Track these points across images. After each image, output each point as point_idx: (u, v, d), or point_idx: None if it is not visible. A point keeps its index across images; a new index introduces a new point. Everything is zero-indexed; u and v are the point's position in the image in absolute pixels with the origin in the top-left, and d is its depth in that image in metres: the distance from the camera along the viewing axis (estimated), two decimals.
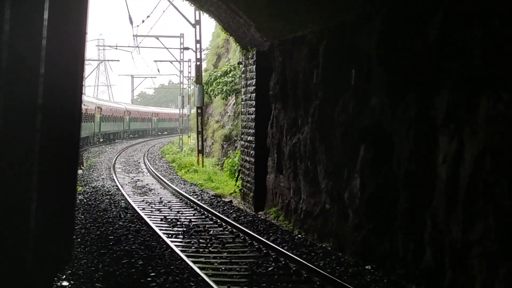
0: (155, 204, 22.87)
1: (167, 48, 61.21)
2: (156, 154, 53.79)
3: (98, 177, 32.04)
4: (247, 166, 24.32)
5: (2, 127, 1.01)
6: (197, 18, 38.34)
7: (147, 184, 29.62)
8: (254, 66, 23.50)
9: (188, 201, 23.48)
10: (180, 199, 24.29)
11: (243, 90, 25.53)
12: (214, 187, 29.46)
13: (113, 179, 30.28)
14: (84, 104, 42.93)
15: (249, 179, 24.02)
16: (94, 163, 41.16)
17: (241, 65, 26.16)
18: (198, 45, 38.47)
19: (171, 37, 62.60)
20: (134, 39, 60.83)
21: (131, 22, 40.93)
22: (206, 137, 55.99)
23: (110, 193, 25.12)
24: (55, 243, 1.50)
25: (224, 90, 36.25)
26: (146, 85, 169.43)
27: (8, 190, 1.20)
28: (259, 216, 21.26)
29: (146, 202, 23.31)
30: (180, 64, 64.37)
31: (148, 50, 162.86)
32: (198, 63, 38.46)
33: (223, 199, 25.76)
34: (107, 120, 68.66)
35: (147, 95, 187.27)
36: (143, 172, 36.67)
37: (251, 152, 23.83)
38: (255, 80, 23.43)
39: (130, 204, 22.11)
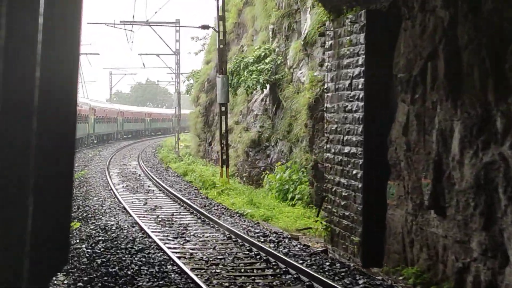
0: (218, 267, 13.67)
1: (161, 38, 51.97)
2: (158, 163, 44.43)
3: (98, 202, 22.71)
4: (344, 193, 15.65)
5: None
6: None
7: (173, 214, 20.47)
8: (362, 36, 14.79)
9: (259, 253, 14.91)
10: (249, 250, 15.26)
11: (329, 75, 16.72)
12: (265, 217, 20.53)
13: (125, 210, 21.20)
14: (78, 105, 40.02)
15: (348, 213, 15.42)
16: (86, 177, 31.73)
17: (326, 38, 17.16)
18: (221, 23, 29.34)
19: (165, 24, 53.15)
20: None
21: None
22: (211, 141, 46.96)
23: (136, 246, 15.38)
24: (51, 247, 1.43)
25: (261, 80, 27.12)
26: (129, 82, 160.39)
27: (5, 193, 1.12)
28: (376, 277, 13.29)
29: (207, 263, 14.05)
30: (176, 55, 55.09)
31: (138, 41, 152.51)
32: (221, 46, 29.34)
33: (298, 240, 16.91)
34: (101, 121, 67.70)
35: (123, 94, 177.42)
36: (152, 190, 27.48)
37: (354, 172, 15.22)
38: (362, 57, 14.72)
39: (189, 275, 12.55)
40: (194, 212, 20.50)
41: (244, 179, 32.34)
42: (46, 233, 1.49)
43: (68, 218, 1.82)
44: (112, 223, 17.74)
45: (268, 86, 28.40)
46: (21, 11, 1.22)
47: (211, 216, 19.10)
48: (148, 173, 34.50)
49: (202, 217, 19.48)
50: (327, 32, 17.30)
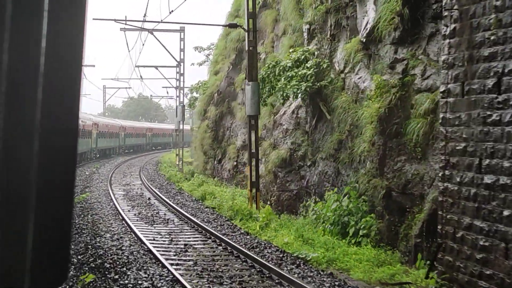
0: None
1: (164, 47, 46.88)
2: (165, 182, 39.09)
3: (113, 242, 17.37)
4: (482, 241, 10.75)
5: (4, 142, 0.99)
6: None
7: (214, 260, 15.21)
8: None
9: None
10: None
11: (451, 73, 11.86)
12: (328, 259, 15.48)
13: (152, 254, 15.55)
14: (81, 121, 44.66)
15: (490, 271, 10.53)
16: (90, 202, 26.33)
17: (446, 20, 12.22)
18: (250, 21, 24.21)
19: (167, 31, 48.13)
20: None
21: None
22: (221, 158, 41.74)
23: None
24: (52, 263, 1.30)
25: (303, 88, 21.96)
26: (122, 96, 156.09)
27: (7, 210, 1.13)
28: None
29: None
30: (180, 65, 49.90)
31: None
32: (251, 47, 24.22)
33: None
34: (103, 136, 66.46)
35: (115, 109, 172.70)
36: (171, 220, 22.25)
37: (505, 213, 10.12)
38: None
39: None
40: (242, 256, 15.26)
41: (272, 203, 27.14)
42: (47, 249, 1.27)
43: (68, 235, 1.35)
44: (145, 284, 12.47)
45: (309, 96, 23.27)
46: (24, 26, 1.10)
47: (270, 265, 13.92)
48: (158, 195, 29.23)
49: (256, 265, 14.25)
50: (446, 14, 12.23)
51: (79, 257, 15.66)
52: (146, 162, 62.39)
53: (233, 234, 18.46)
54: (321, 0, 23.41)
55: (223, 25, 26.39)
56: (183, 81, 50.93)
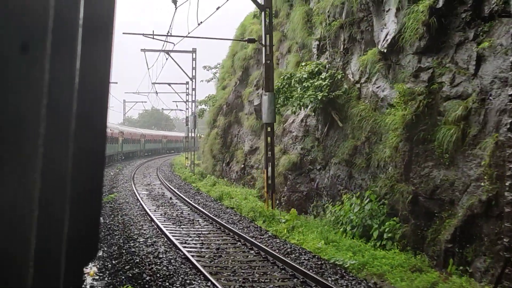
0: None
1: (178, 64, 43.69)
2: (182, 182, 35.77)
3: (147, 246, 14.07)
4: None
5: (46, 146, 0.89)
6: None
7: (252, 267, 12.01)
8: None
9: None
10: None
11: None
12: (358, 264, 12.30)
13: (190, 263, 12.04)
14: (110, 130, 45.93)
15: None
16: (119, 202, 22.94)
17: None
18: (267, 37, 21.04)
19: (181, 52, 44.96)
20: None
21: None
22: (229, 161, 38.54)
23: None
24: (85, 241, 1.26)
25: (319, 97, 18.82)
26: (138, 108, 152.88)
27: (50, 197, 1.01)
28: None
29: None
30: (192, 81, 46.61)
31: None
32: (268, 61, 21.05)
33: None
34: (127, 142, 65.71)
35: (132, 119, 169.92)
36: (196, 221, 18.99)
37: None
38: None
39: None
40: (279, 263, 12.05)
41: (283, 203, 23.99)
42: (80, 230, 1.20)
43: (97, 219, 1.34)
44: None
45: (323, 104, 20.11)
46: (62, 51, 0.97)
47: (312, 275, 10.72)
48: (179, 195, 25.93)
49: (298, 274, 11.06)
50: None
51: (113, 261, 12.41)
52: (161, 164, 59.09)
53: (262, 237, 15.23)
54: (334, 16, 20.28)
55: (243, 40, 23.16)
56: (195, 95, 47.64)
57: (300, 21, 24.58)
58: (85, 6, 1.03)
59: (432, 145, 13.88)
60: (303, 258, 12.45)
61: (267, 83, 21.14)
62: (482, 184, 12.00)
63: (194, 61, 46.30)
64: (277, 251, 13.12)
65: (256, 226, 16.99)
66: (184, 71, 45.29)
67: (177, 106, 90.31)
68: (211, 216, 18.86)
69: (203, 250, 13.67)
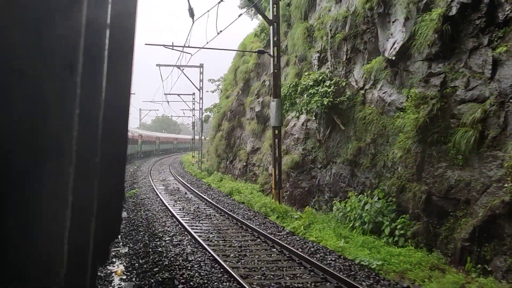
0: None
1: (186, 76, 41.37)
2: (193, 178, 33.43)
3: (175, 246, 11.74)
4: None
5: (81, 142, 0.86)
6: (275, 13, 18.86)
7: (282, 268, 9.70)
8: None
9: None
10: None
11: None
12: (382, 262, 10.10)
13: (219, 265, 9.67)
14: (131, 133, 46.95)
15: None
16: (141, 198, 20.57)
17: None
18: (275, 49, 18.84)
19: (191, 67, 42.65)
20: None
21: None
22: (233, 160, 36.32)
23: None
24: (109, 221, 1.23)
25: (325, 102, 16.64)
26: (151, 115, 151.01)
27: (83, 189, 0.94)
28: None
29: None
30: (200, 91, 44.26)
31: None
32: (275, 71, 18.84)
33: None
34: (145, 143, 65.48)
35: (146, 125, 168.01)
36: (213, 216, 16.72)
37: None
38: None
39: None
40: (306, 264, 9.84)
41: (285, 198, 21.81)
42: (106, 213, 1.20)
43: (120, 205, 1.34)
44: None
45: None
46: (90, 69, 0.93)
47: (344, 278, 8.53)
48: (193, 190, 23.66)
49: (330, 277, 8.85)
50: None
51: (140, 260, 10.16)
52: (172, 161, 56.69)
53: (280, 234, 13.01)
54: (336, 30, 18.12)
55: (254, 51, 20.87)
56: (202, 103, 45.28)
57: (301, 36, 22.41)
58: (110, 32, 0.98)
59: (445, 147, 11.76)
60: (329, 259, 10.24)
61: (275, 90, 18.93)
62: (506, 185, 9.91)
63: (201, 75, 44.03)
64: (300, 250, 10.91)
65: (271, 222, 14.76)
66: (193, 83, 43.03)
67: (184, 113, 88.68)
68: (226, 211, 16.61)
69: (226, 248, 11.43)
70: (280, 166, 19.17)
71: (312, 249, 10.98)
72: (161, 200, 19.85)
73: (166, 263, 9.57)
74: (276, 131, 19.15)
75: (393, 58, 13.93)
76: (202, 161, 47.90)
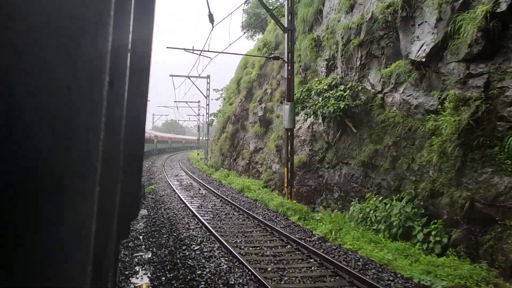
0: None
1: (196, 85, 38.05)
2: (203, 175, 30.06)
3: (201, 250, 8.49)
4: None
5: (104, 146, 0.84)
6: (290, 21, 15.73)
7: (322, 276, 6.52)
8: None
9: None
10: None
11: None
12: (420, 272, 6.96)
13: (250, 273, 7.02)
14: (148, 134, 46.83)
15: None
16: (160, 195, 17.19)
17: None
18: (289, 55, 15.74)
19: (199, 77, 39.30)
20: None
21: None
22: (236, 158, 33.15)
23: None
24: (129, 203, 1.12)
25: (341, 106, 13.54)
26: (161, 119, 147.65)
27: (108, 180, 0.94)
28: None
29: None
30: (207, 98, 40.92)
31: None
32: (289, 76, 15.75)
33: None
34: (160, 142, 62.57)
35: (158, 127, 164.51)
36: (232, 214, 13.46)
37: None
38: None
39: None
40: (356, 282, 6.72)
41: (292, 195, 18.71)
42: (127, 199, 1.10)
43: (138, 192, 1.19)
44: None
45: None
46: (115, 84, 0.89)
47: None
48: (207, 187, 20.40)
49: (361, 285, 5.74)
50: None
51: (168, 274, 6.96)
52: (181, 158, 53.31)
53: (311, 240, 9.86)
54: (348, 38, 15.06)
55: (267, 57, 17.48)
56: (208, 109, 41.93)
57: (308, 46, 19.32)
58: (131, 52, 0.97)
59: (491, 151, 8.75)
60: (385, 277, 7.12)
61: (288, 94, 15.82)
62: None
63: (208, 84, 40.68)
64: (344, 263, 7.79)
65: (295, 224, 11.61)
66: (200, 91, 39.72)
67: (189, 118, 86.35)
68: (245, 210, 13.44)
69: (260, 259, 8.27)
70: (292, 166, 16.06)
71: (359, 264, 7.85)
72: (179, 196, 16.59)
73: (203, 286, 6.37)
74: (289, 133, 16.04)
75: (423, 60, 10.90)
76: (207, 158, 44.92)
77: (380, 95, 13.12)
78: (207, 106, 41.32)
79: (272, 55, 16.48)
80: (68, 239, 0.71)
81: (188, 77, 38.07)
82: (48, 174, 0.67)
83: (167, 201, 15.47)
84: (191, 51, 18.24)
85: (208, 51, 16.73)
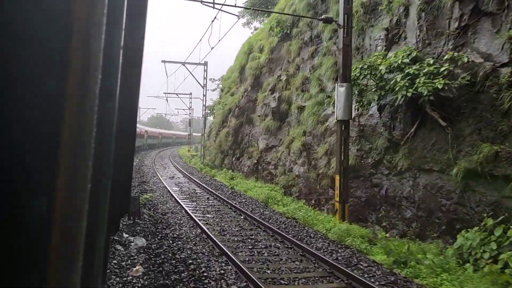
0: None
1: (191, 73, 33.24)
2: (206, 178, 25.21)
3: None
4: None
5: (96, 141, 0.85)
6: None
7: None
8: None
9: None
10: None
11: None
12: None
13: None
14: (139, 129, 48.10)
15: None
16: (163, 212, 12.30)
17: None
18: (346, 17, 11.21)
19: (195, 64, 34.49)
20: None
21: None
22: (239, 157, 28.56)
23: None
24: (119, 200, 1.21)
25: (439, 85, 8.96)
26: (148, 113, 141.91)
27: (99, 174, 0.93)
28: None
29: None
30: (204, 88, 36.01)
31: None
32: (346, 45, 11.22)
33: None
34: (150, 137, 61.09)
35: (144, 122, 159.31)
36: (276, 248, 8.61)
37: None
38: None
39: None
40: None
41: (329, 208, 14.30)
42: (117, 191, 1.15)
43: (129, 188, 1.27)
44: None
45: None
46: (107, 79, 0.88)
47: None
48: (216, 195, 15.72)
49: None
50: None
51: None
52: (171, 154, 48.67)
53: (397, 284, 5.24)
54: None
55: (318, 19, 12.72)
56: (205, 100, 37.06)
57: (354, 15, 14.74)
58: (123, 52, 0.99)
59: None
60: None
61: (344, 72, 11.24)
62: None
63: (205, 72, 35.88)
64: None
65: (367, 260, 6.95)
66: (197, 80, 34.99)
67: (178, 112, 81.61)
68: (294, 240, 8.82)
69: None
70: (347, 173, 11.51)
71: None
72: (187, 212, 11.87)
73: None
74: (343, 126, 11.46)
75: None
76: (196, 155, 40.60)
77: (506, 70, 8.63)
78: (204, 97, 36.44)
79: (323, 17, 11.74)
80: (58, 235, 0.72)
81: (183, 63, 33.39)
82: (37, 171, 0.69)
83: (172, 223, 10.71)
84: (211, 4, 13.30)
85: (236, 6, 11.90)
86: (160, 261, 7.54)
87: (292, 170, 19.49)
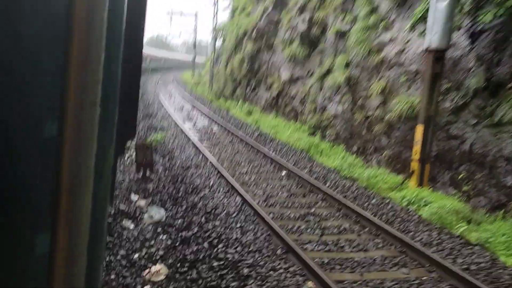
0: None
1: None
2: (221, 111, 22.06)
3: None
4: None
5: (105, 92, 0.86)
6: None
7: None
8: None
9: None
10: None
11: None
12: None
13: None
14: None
15: None
16: (184, 166, 9.45)
17: None
18: None
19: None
20: None
21: None
22: (256, 87, 25.32)
23: None
24: (127, 125, 1.34)
25: None
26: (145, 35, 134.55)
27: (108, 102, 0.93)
28: None
29: None
30: (215, 6, 31.60)
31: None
32: None
33: None
34: (153, 61, 57.93)
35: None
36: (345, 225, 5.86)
37: None
38: None
39: None
40: None
41: (381, 162, 11.50)
42: (124, 119, 1.23)
43: (136, 113, 1.44)
44: None
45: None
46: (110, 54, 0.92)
47: None
48: (242, 138, 12.75)
49: None
50: None
51: None
52: (173, 79, 45.76)
53: None
54: None
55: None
56: (216, 20, 32.81)
57: None
58: (126, 28, 1.03)
59: None
60: None
61: None
62: None
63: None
64: None
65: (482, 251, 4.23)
66: None
67: (180, 33, 77.61)
68: (383, 226, 6.04)
69: None
70: (434, 124, 8.48)
71: None
72: (214, 166, 9.02)
73: None
74: (436, 57, 8.20)
75: None
76: (199, 82, 37.34)
77: None
78: (215, 16, 32.11)
79: None
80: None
81: None
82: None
83: (200, 184, 7.88)
84: None
85: None
86: (192, 255, 4.82)
87: (326, 108, 16.44)
